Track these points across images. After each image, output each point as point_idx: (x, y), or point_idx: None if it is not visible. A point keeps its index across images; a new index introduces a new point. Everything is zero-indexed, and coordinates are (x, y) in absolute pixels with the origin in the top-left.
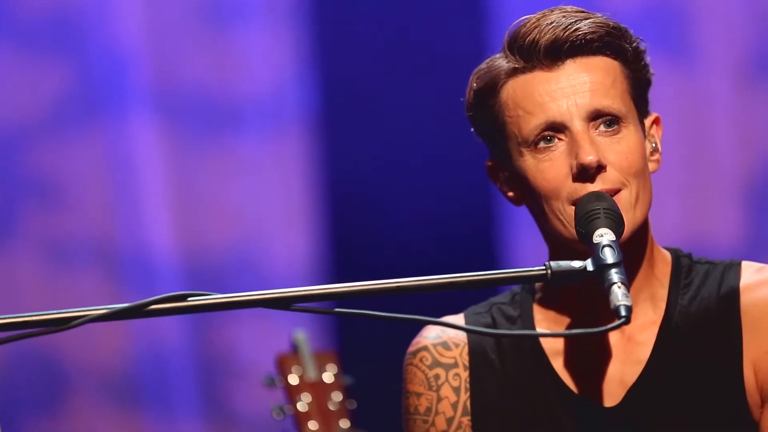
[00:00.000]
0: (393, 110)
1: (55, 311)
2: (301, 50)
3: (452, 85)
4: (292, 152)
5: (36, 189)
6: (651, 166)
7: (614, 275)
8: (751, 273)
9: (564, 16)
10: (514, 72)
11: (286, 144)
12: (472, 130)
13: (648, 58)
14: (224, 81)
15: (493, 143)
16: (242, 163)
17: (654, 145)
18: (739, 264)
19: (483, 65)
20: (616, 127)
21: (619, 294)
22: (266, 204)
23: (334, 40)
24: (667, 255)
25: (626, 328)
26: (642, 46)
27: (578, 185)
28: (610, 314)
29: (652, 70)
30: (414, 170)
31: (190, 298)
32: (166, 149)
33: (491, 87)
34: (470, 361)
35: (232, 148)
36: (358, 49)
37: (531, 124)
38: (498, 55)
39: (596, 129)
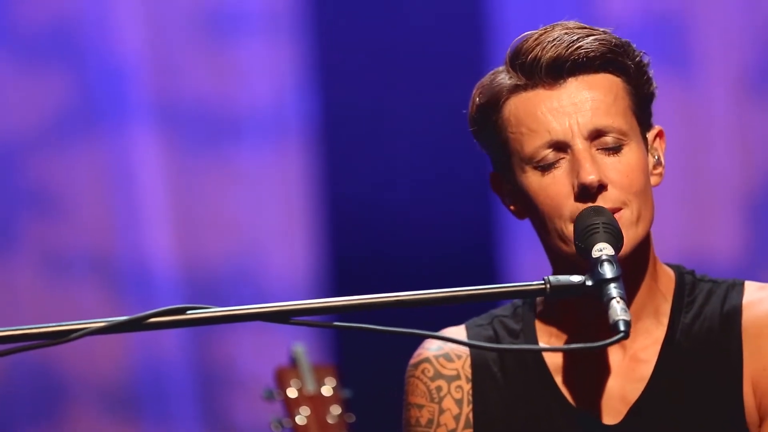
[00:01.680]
0: (392, 121)
1: (54, 324)
2: (300, 62)
3: (452, 96)
4: (291, 164)
5: (35, 200)
6: (653, 180)
7: (613, 290)
8: (753, 291)
9: (566, 33)
10: (516, 89)
11: (286, 156)
12: (476, 142)
13: (651, 72)
14: (224, 93)
15: (497, 157)
16: (242, 175)
17: (657, 158)
18: (743, 283)
19: (486, 79)
20: (617, 145)
21: (617, 309)
22: (266, 216)
23: (334, 53)
24: (670, 271)
25: (629, 345)
26: (645, 60)
27: (580, 204)
28: (610, 329)
29: (655, 83)
30: (414, 182)
31: (189, 312)
32: (165, 161)
33: (494, 103)
34: (473, 373)
35: (232, 160)
36: (357, 61)
37: (534, 143)
38: (500, 69)
39: (598, 148)
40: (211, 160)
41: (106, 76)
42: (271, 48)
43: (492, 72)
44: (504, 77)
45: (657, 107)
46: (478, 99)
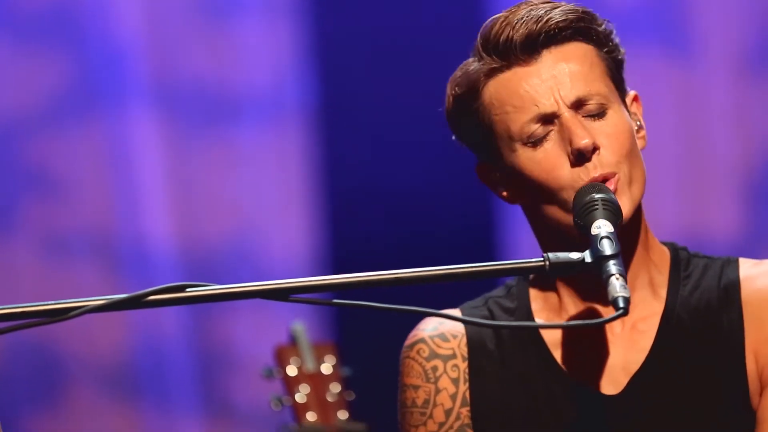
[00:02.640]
0: (392, 102)
1: (53, 302)
2: (299, 43)
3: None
4: (290, 145)
5: (34, 181)
6: (639, 143)
7: (612, 267)
8: (749, 266)
9: (532, 9)
10: (492, 72)
11: (285, 136)
12: (453, 138)
13: (617, 39)
14: (222, 73)
15: (481, 146)
16: (240, 156)
17: (638, 123)
18: (737, 260)
19: (457, 72)
20: (601, 110)
21: (617, 285)
22: (264, 196)
23: (333, 33)
24: (664, 247)
25: (628, 317)
26: (610, 27)
27: (578, 170)
28: (608, 304)
29: (623, 49)
30: (412, 162)
31: (188, 289)
32: (164, 141)
33: (472, 91)
34: (469, 352)
35: (230, 141)
36: (356, 42)
37: (521, 119)
38: (471, 60)
39: (583, 115)
40: (210, 140)
41: (105, 58)
42: (270, 29)
43: (461, 65)
44: (477, 64)
45: (655, 89)
46: (455, 90)
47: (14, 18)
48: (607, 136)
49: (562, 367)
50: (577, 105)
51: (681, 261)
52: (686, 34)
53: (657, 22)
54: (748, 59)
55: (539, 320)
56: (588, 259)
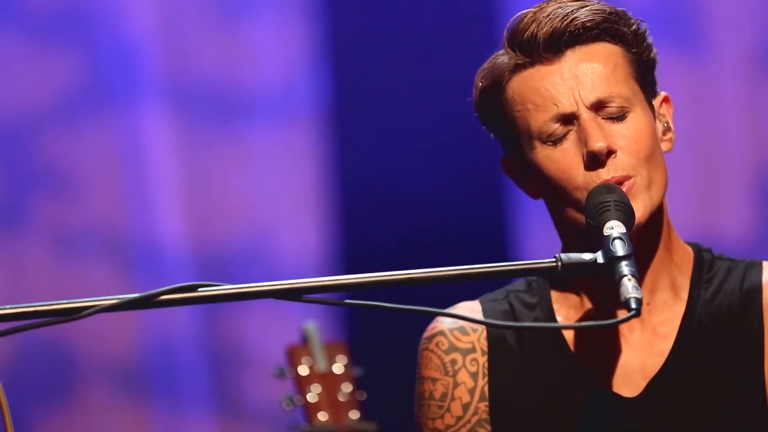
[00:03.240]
0: (403, 101)
1: (65, 301)
2: (312, 41)
3: (464, 76)
4: (302, 144)
5: (46, 179)
6: (664, 146)
7: (624, 267)
8: None
9: (560, 7)
10: (516, 68)
11: (297, 135)
12: (483, 128)
13: (650, 38)
14: (235, 72)
15: (505, 139)
16: (253, 154)
17: (665, 124)
18: (761, 263)
19: (486, 64)
20: (622, 113)
21: (629, 286)
22: (277, 195)
23: (345, 32)
24: (688, 247)
25: (647, 318)
26: (642, 27)
27: (591, 173)
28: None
29: (655, 50)
30: (424, 161)
31: (200, 289)
32: (176, 140)
33: (496, 85)
34: (489, 346)
35: (243, 139)
36: (369, 41)
37: (540, 119)
38: (500, 52)
39: (604, 117)
40: (221, 139)
41: (116, 55)
42: (283, 27)
43: (492, 56)
44: (504, 59)
45: (667, 88)
46: (480, 83)
47: (27, 16)
48: (626, 139)
49: (582, 366)
50: (597, 106)
51: (704, 263)
52: (700, 35)
53: (670, 22)
54: (761, 60)
55: (559, 317)
56: (600, 260)
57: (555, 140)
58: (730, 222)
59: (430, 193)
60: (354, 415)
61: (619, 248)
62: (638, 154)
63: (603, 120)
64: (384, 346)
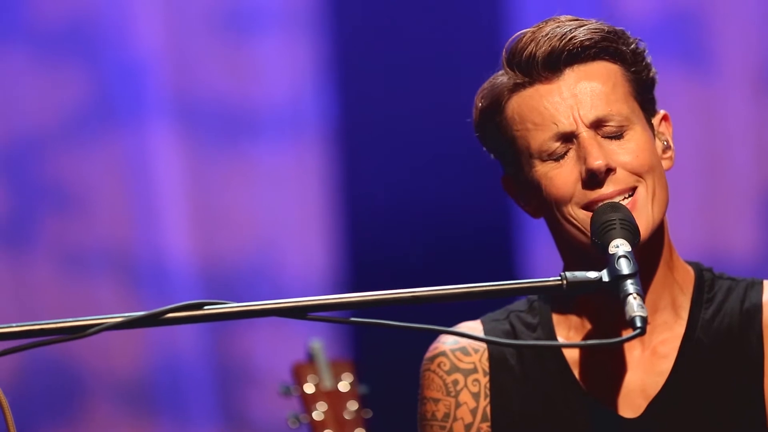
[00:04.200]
0: (410, 118)
1: (71, 319)
2: (318, 59)
3: (470, 96)
4: (309, 161)
5: (53, 197)
6: (664, 164)
7: (630, 286)
8: None
9: (558, 26)
10: (516, 87)
11: (304, 153)
12: (483, 149)
13: (649, 57)
14: (242, 89)
15: (505, 159)
16: (259, 172)
17: (665, 142)
18: (761, 282)
19: (486, 84)
20: (621, 131)
21: (634, 305)
22: (283, 212)
23: (352, 49)
24: (689, 267)
25: (647, 339)
26: (641, 46)
27: (588, 191)
28: (628, 323)
29: (655, 69)
30: (431, 179)
31: (206, 307)
32: (183, 157)
33: (496, 105)
34: (490, 366)
35: (250, 157)
36: (375, 58)
37: (540, 138)
38: (499, 73)
39: (603, 135)
40: (228, 157)
41: (124, 73)
42: (289, 45)
43: (491, 77)
44: (503, 78)
45: (674, 104)
46: (480, 104)
47: (35, 35)
48: (626, 154)
49: (583, 385)
50: (597, 125)
51: (705, 282)
52: (705, 52)
53: (676, 39)
54: (767, 76)
55: (560, 337)
56: (605, 279)
57: (555, 159)
58: (737, 239)
59: (436, 211)
60: None
61: (625, 267)
62: (639, 169)
63: (602, 138)
64: (390, 364)
